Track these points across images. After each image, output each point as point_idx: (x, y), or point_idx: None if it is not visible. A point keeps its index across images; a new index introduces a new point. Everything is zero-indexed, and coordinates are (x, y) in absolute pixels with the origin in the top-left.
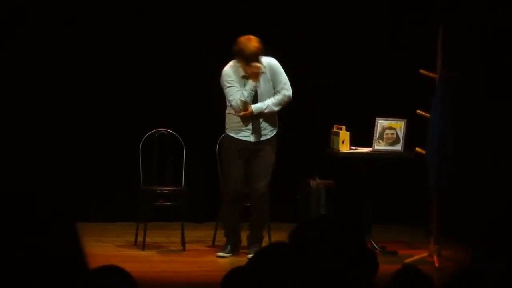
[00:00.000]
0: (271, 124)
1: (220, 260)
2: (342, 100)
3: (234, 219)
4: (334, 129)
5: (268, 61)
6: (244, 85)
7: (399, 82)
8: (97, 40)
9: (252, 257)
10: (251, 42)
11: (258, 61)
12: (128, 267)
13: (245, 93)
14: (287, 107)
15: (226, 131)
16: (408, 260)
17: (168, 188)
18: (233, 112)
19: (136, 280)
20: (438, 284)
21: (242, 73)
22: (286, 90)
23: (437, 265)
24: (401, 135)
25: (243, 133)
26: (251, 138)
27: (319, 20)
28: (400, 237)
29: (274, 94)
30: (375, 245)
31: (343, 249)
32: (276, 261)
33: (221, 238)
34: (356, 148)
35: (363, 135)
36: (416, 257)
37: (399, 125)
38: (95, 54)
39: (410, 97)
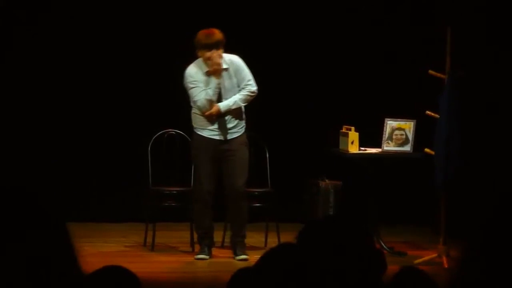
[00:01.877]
0: (239, 121)
1: (227, 260)
2: (351, 100)
3: (209, 221)
4: (343, 130)
5: (230, 58)
6: (208, 83)
7: (408, 82)
8: (105, 40)
9: (260, 258)
10: (209, 31)
11: (218, 49)
12: (137, 267)
13: (210, 92)
14: (252, 101)
15: (194, 130)
16: (417, 261)
17: (176, 189)
18: (198, 112)
19: (145, 280)
20: (447, 285)
21: (205, 68)
22: (251, 86)
23: (446, 265)
24: (410, 136)
25: (210, 132)
26: (219, 137)
27: (328, 21)
28: (408, 237)
29: (239, 91)
30: (384, 246)
31: (351, 250)
32: (284, 262)
33: (228, 239)
34: (365, 149)
35: (372, 136)
36: (425, 258)
37: (408, 126)
38: (106, 54)
39: (419, 97)
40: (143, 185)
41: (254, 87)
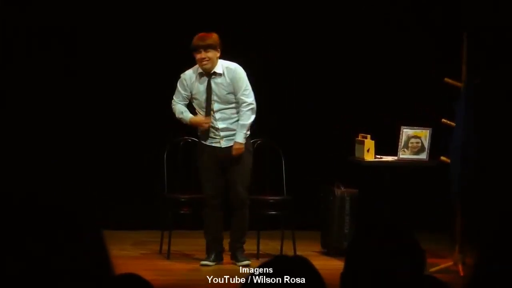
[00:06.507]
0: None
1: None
2: (367, 108)
3: (216, 227)
4: (359, 138)
5: (228, 65)
6: (198, 88)
7: (424, 90)
8: (124, 44)
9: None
10: (204, 34)
11: (206, 50)
12: (153, 275)
13: (183, 116)
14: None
15: (198, 139)
16: (433, 269)
17: (192, 196)
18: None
19: None
20: None
21: (199, 71)
22: (246, 96)
23: (462, 274)
24: (426, 144)
25: (213, 140)
26: (221, 144)
27: (344, 29)
28: (424, 245)
29: (235, 100)
30: None
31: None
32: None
33: (246, 247)
34: (381, 156)
35: (388, 144)
36: (441, 266)
37: (424, 134)
38: (122, 61)
39: (435, 105)
40: (159, 193)
41: (249, 98)
